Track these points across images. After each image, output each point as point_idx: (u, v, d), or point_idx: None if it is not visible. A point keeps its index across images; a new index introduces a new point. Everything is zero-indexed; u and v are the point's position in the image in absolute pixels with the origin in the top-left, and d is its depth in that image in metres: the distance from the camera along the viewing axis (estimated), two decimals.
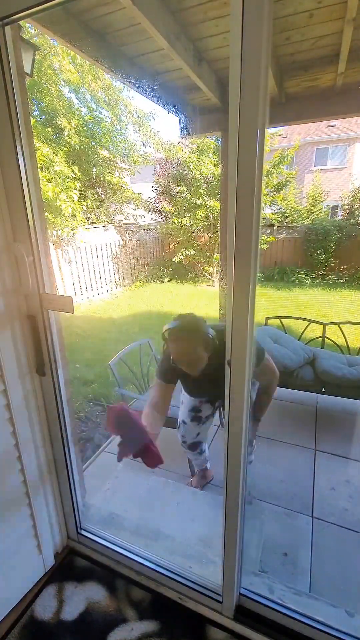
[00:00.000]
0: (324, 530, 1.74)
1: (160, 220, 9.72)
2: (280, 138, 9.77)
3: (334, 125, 13.12)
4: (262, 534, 1.71)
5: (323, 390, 2.54)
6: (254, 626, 1.27)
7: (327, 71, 2.13)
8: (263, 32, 0.70)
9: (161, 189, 9.30)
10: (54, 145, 6.22)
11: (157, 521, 1.78)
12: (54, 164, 5.66)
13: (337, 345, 2.92)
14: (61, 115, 6.26)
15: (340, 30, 1.75)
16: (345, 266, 8.44)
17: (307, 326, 2.99)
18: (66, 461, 1.45)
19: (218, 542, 1.25)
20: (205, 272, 8.63)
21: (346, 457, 2.25)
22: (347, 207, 9.69)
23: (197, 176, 7.71)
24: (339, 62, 1.99)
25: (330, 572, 1.55)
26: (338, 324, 2.91)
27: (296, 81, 2.29)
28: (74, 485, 1.51)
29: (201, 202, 7.75)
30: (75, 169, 6.20)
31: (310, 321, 3.00)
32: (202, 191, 7.73)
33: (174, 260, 8.54)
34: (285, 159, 7.86)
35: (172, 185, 8.68)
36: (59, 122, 6.21)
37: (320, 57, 2.04)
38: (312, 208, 10.08)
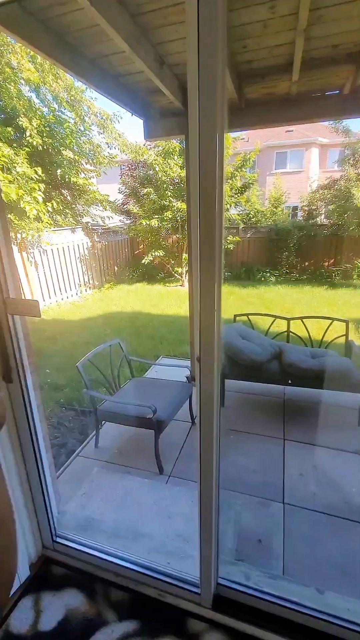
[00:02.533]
0: (295, 515, 1.82)
1: (128, 221, 9.66)
2: (242, 142, 10.04)
3: (292, 131, 13.71)
4: (238, 525, 1.77)
5: (290, 382, 2.66)
6: (232, 613, 1.31)
7: (282, 79, 2.24)
8: (218, 38, 0.74)
9: (128, 191, 9.25)
10: (14, 145, 6.01)
11: (134, 521, 1.78)
12: (15, 164, 5.46)
13: (301, 339, 3.07)
14: (22, 115, 6.05)
15: (292, 41, 1.84)
16: (306, 263, 8.84)
17: (272, 322, 3.12)
18: (38, 468, 1.42)
19: (195, 536, 1.28)
20: (175, 272, 8.69)
21: (312, 444, 2.37)
22: (305, 208, 10.16)
23: (163, 178, 7.75)
24: (292, 71, 2.10)
25: (301, 553, 1.63)
26: (301, 318, 3.05)
27: (254, 88, 2.38)
28: (47, 493, 1.48)
29: (168, 203, 7.80)
30: (39, 169, 6.03)
31: (276, 317, 3.13)
32: (169, 193, 7.78)
33: (143, 261, 8.52)
34: (248, 162, 8.10)
35: (139, 187, 8.66)
36: (20, 122, 6.01)
37: (276, 66, 2.13)
38: (275, 209, 10.46)
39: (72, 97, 6.98)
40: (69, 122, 7.17)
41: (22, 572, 1.46)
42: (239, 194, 8.64)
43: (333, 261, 8.58)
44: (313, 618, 1.25)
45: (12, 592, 1.43)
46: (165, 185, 7.80)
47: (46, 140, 6.60)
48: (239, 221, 9.03)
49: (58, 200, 7.18)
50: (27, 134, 6.11)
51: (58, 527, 1.57)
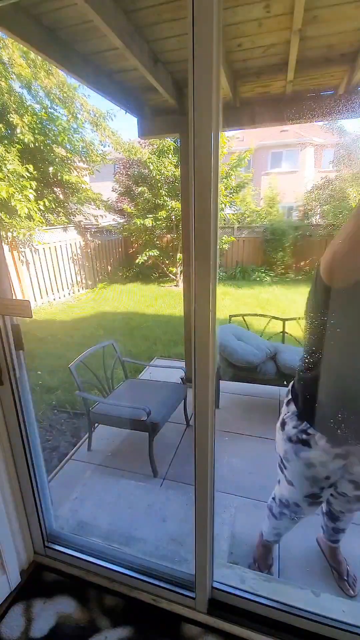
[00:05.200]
0: None
1: (122, 220, 9.60)
2: (237, 141, 10.06)
3: (287, 130, 13.75)
4: (233, 527, 1.75)
5: (285, 383, 2.66)
6: (227, 617, 1.30)
7: (277, 78, 2.23)
8: (213, 36, 0.72)
9: (122, 189, 9.19)
10: (5, 142, 5.93)
11: (128, 525, 1.76)
12: (6, 161, 5.39)
13: (297, 339, 3.07)
14: (13, 111, 5.98)
15: (288, 40, 1.83)
16: (302, 263, 8.89)
17: (268, 322, 3.12)
18: (29, 472, 1.39)
19: (190, 539, 1.26)
20: (169, 272, 8.66)
21: None
22: (301, 208, 10.21)
23: (157, 177, 7.71)
24: (287, 71, 2.09)
25: (297, 556, 1.62)
26: (297, 319, 3.05)
27: (249, 87, 2.36)
28: (39, 498, 1.45)
29: (162, 202, 7.77)
30: (30, 167, 5.96)
31: (271, 317, 3.13)
32: (163, 192, 7.74)
33: (137, 261, 8.48)
34: (242, 162, 8.10)
35: (133, 186, 8.61)
36: (11, 119, 5.93)
37: (271, 65, 2.12)
38: (270, 209, 10.49)
39: (64, 94, 6.91)
40: (61, 119, 7.11)
41: (13, 579, 1.43)
42: (233, 194, 8.64)
43: None
44: (309, 620, 1.24)
45: (2, 599, 1.40)
46: (159, 184, 7.76)
47: (38, 137, 6.53)
48: (234, 221, 9.03)
49: (50, 198, 7.11)
50: (18, 130, 6.04)
51: (50, 533, 1.54)
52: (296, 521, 1.38)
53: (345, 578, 1.51)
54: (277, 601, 1.29)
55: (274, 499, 1.42)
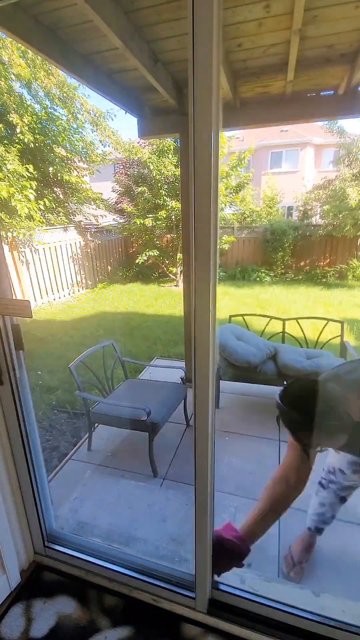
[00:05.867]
0: (289, 516, 1.81)
1: (122, 220, 9.60)
2: (237, 141, 10.06)
3: (287, 131, 13.76)
4: None
5: (285, 383, 2.65)
6: (227, 617, 1.30)
7: (277, 79, 2.23)
8: (213, 36, 0.72)
9: (122, 189, 9.19)
10: (5, 142, 5.94)
11: (128, 525, 1.76)
12: (6, 161, 5.40)
13: (296, 340, 3.07)
14: (13, 111, 5.98)
15: (288, 40, 1.83)
16: (301, 263, 8.89)
17: (268, 322, 3.12)
18: (29, 472, 1.39)
19: (189, 539, 1.26)
20: (169, 272, 8.66)
21: None
22: (301, 208, 10.22)
23: (157, 176, 7.72)
24: (287, 71, 2.09)
25: None
26: (296, 319, 3.06)
27: (249, 87, 2.36)
28: (39, 497, 1.45)
29: (162, 202, 7.77)
30: (30, 167, 5.96)
31: (271, 317, 3.13)
32: (164, 192, 7.75)
33: (137, 261, 8.49)
34: (242, 162, 8.11)
35: (133, 186, 8.61)
36: (10, 119, 5.94)
37: (271, 65, 2.12)
38: (269, 209, 10.50)
39: (64, 94, 6.92)
40: (61, 119, 7.11)
41: (13, 579, 1.43)
42: (233, 194, 8.64)
43: (328, 261, 8.64)
44: (308, 620, 1.24)
45: (2, 600, 1.40)
46: (159, 184, 7.76)
47: (38, 137, 6.53)
48: (234, 221, 9.04)
49: (50, 198, 7.11)
50: (18, 130, 6.05)
51: (50, 533, 1.54)
52: (340, 497, 1.52)
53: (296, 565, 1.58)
54: (277, 601, 1.29)
55: (323, 469, 1.56)
